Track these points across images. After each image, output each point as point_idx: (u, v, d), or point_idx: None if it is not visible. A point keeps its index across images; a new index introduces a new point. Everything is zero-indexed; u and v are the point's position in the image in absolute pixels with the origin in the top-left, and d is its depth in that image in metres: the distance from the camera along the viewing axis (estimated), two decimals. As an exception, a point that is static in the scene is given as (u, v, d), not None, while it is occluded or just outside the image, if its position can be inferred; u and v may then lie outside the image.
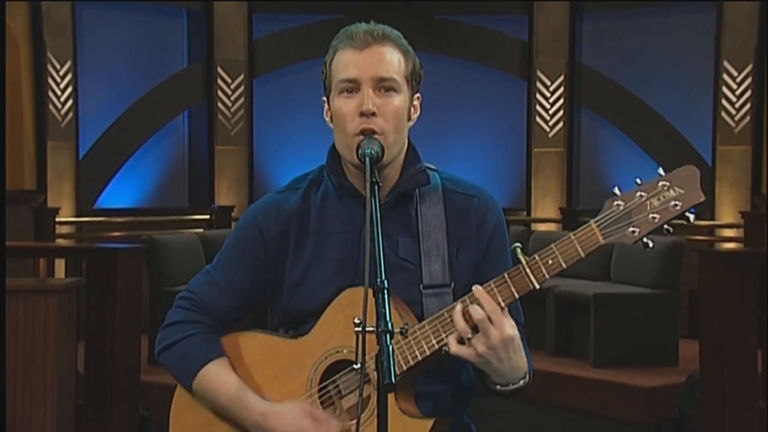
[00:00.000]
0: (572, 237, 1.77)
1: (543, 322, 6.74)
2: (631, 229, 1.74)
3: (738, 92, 7.91)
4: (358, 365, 1.67)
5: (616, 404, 5.92)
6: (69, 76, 7.91)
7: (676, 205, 1.72)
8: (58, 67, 7.83)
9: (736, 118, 7.92)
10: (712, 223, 8.06)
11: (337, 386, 1.92)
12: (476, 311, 1.77)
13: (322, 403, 1.92)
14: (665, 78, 8.47)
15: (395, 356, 1.64)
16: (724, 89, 7.96)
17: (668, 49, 8.46)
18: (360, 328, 1.64)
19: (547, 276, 1.78)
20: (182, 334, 2.00)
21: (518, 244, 1.80)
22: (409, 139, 1.99)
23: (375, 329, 1.64)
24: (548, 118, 8.93)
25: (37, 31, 7.75)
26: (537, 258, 1.78)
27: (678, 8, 8.38)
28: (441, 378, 1.94)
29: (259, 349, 1.99)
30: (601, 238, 1.76)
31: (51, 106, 7.81)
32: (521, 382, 1.86)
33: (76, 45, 8.02)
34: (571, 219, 8.56)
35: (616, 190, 1.76)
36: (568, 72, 8.89)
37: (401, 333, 1.71)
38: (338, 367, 1.91)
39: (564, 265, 1.77)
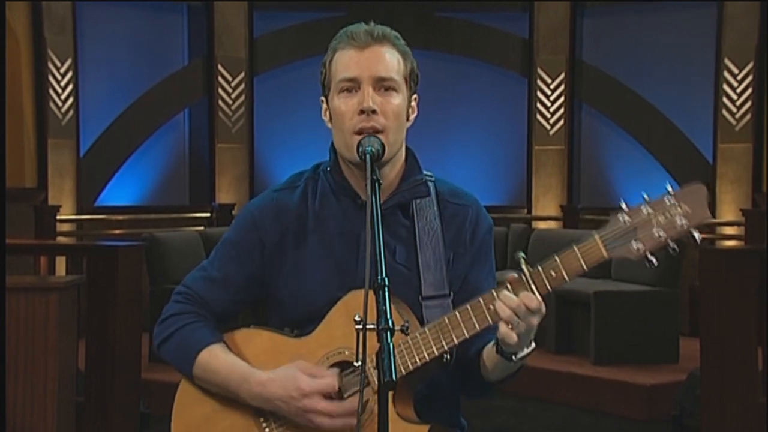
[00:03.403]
0: (576, 250, 1.75)
1: (543, 320, 6.73)
2: (635, 245, 1.73)
3: (739, 90, 7.91)
4: (358, 363, 1.66)
5: (617, 401, 5.91)
6: (69, 74, 7.91)
7: (682, 223, 1.73)
8: (58, 64, 7.83)
9: (737, 115, 7.92)
10: (712, 220, 8.06)
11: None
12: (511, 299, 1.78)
13: None
14: (666, 75, 8.47)
15: (396, 359, 1.63)
16: (725, 86, 7.96)
17: (669, 46, 8.45)
18: (360, 326, 1.64)
19: (549, 288, 1.77)
20: (178, 324, 2.00)
21: (522, 254, 1.78)
22: (409, 148, 2.01)
23: (375, 326, 1.63)
24: (549, 115, 8.93)
25: (37, 28, 7.74)
26: (540, 269, 1.77)
27: (679, 5, 8.38)
28: (427, 381, 1.94)
29: (264, 346, 1.98)
30: (605, 252, 1.74)
31: (51, 104, 7.80)
32: (532, 344, 1.89)
33: (76, 42, 8.02)
34: (571, 216, 8.54)
35: (623, 205, 1.75)
36: (569, 69, 8.88)
37: (402, 330, 1.71)
38: (339, 368, 1.90)
39: (567, 279, 1.76)
